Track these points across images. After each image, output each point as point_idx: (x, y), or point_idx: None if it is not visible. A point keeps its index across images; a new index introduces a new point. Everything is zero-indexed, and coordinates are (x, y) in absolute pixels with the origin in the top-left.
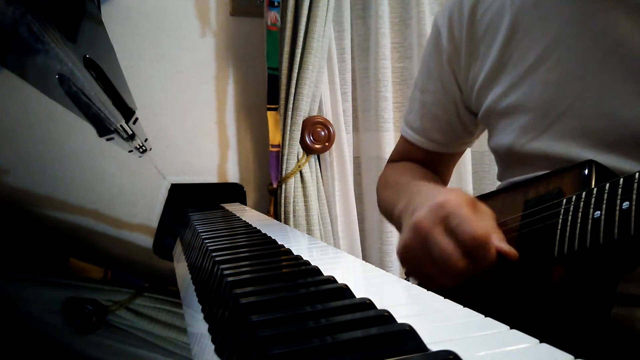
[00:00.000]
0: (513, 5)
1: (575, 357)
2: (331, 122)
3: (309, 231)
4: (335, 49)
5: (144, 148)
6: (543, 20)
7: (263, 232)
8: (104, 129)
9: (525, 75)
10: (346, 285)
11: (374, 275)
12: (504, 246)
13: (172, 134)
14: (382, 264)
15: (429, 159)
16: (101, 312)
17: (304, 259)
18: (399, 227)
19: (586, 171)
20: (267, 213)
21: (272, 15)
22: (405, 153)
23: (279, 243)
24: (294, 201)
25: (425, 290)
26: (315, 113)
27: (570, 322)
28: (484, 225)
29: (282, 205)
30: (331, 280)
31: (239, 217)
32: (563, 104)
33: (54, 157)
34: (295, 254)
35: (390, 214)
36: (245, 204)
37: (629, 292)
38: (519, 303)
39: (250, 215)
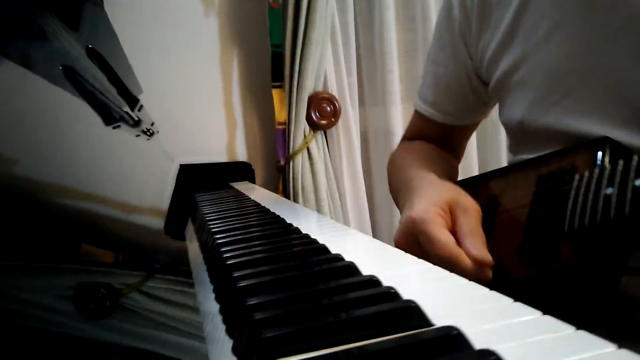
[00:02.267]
0: None
1: (578, 329)
2: (337, 97)
3: (318, 207)
4: (338, 24)
5: (151, 131)
6: None
7: (272, 210)
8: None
9: (536, 48)
10: (353, 263)
11: (382, 252)
12: (475, 253)
13: (180, 116)
14: (391, 238)
15: (442, 133)
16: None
17: (312, 237)
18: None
19: (601, 149)
20: (276, 191)
21: None
22: (419, 129)
23: (287, 222)
24: (302, 178)
25: (432, 265)
26: (320, 89)
27: (579, 296)
28: (448, 240)
29: (291, 182)
30: (338, 258)
31: (247, 196)
32: (573, 78)
33: (62, 144)
34: (303, 232)
35: (397, 204)
36: (254, 182)
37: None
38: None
39: (258, 193)
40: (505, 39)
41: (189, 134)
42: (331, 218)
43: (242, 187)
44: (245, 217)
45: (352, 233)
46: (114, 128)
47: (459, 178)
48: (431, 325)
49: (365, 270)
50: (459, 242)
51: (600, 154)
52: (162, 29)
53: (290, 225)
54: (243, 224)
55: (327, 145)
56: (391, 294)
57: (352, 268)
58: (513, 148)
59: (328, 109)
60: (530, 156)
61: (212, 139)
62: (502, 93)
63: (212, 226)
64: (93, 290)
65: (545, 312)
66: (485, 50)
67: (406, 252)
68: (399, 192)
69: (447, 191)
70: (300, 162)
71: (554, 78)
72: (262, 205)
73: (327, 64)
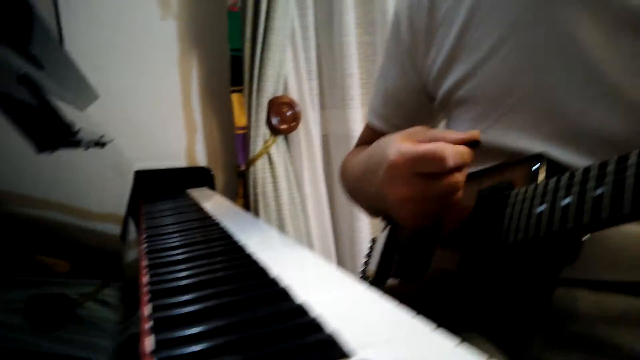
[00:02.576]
0: None
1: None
2: (297, 101)
3: (279, 212)
4: (298, 27)
5: (102, 143)
6: (499, 9)
7: (222, 224)
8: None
9: (479, 65)
10: (286, 289)
11: (324, 271)
12: (465, 135)
13: (138, 119)
14: (352, 241)
15: None
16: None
17: (254, 257)
18: (366, 195)
19: (536, 165)
20: (236, 195)
21: None
22: (370, 140)
23: (234, 238)
24: (262, 182)
25: (364, 288)
26: (280, 93)
27: (514, 307)
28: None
29: (251, 187)
30: (274, 282)
31: (200, 205)
32: (514, 95)
33: (15, 150)
34: (248, 250)
35: (355, 183)
36: (213, 187)
37: (570, 277)
38: (468, 293)
39: (213, 202)
40: (450, 56)
41: (148, 138)
42: (292, 222)
43: (199, 194)
44: (190, 232)
45: (298, 250)
46: (50, 153)
47: None
48: (350, 357)
49: (302, 292)
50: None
51: (536, 170)
52: (119, 33)
53: (236, 242)
54: (185, 242)
55: (288, 149)
56: (315, 325)
57: (285, 294)
58: None
59: (288, 113)
60: (475, 169)
61: (171, 143)
62: (448, 109)
63: (147, 244)
64: (46, 302)
65: (482, 323)
66: (432, 67)
67: (408, 198)
68: (359, 180)
69: (399, 133)
70: (261, 167)
71: (495, 95)
72: (213, 216)
73: (288, 68)
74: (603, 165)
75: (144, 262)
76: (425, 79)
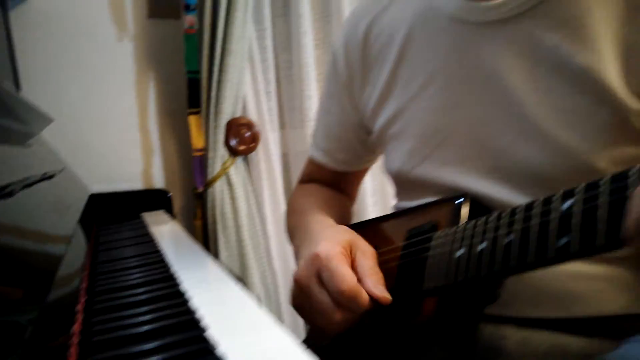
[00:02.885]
0: (401, 32)
1: None
2: (256, 122)
3: (238, 233)
4: (256, 49)
5: (49, 175)
6: (428, 47)
7: (166, 259)
8: None
9: (410, 101)
10: (210, 348)
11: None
12: (376, 292)
13: (94, 141)
14: None
15: (335, 178)
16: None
17: (187, 305)
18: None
19: (458, 206)
20: (195, 217)
21: (189, 19)
22: (314, 173)
23: (174, 279)
24: (221, 204)
25: (292, 340)
26: (239, 114)
27: (440, 344)
28: (352, 276)
29: (209, 209)
30: (199, 339)
31: (148, 236)
32: (443, 131)
33: None
34: (187, 295)
35: (293, 244)
36: (171, 209)
37: (496, 313)
38: (394, 333)
39: (164, 230)
40: (383, 93)
41: (104, 161)
42: (251, 242)
43: (153, 219)
44: (128, 271)
45: (235, 292)
46: None
47: None
48: None
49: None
50: (359, 281)
51: (458, 212)
52: (75, 53)
53: (175, 285)
54: (122, 283)
55: (248, 169)
56: None
57: (209, 352)
58: (396, 195)
59: (247, 134)
60: (410, 204)
61: (128, 165)
62: (383, 144)
63: (87, 284)
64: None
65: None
66: (367, 102)
67: (306, 288)
68: (296, 234)
69: (345, 234)
70: (219, 189)
71: (425, 131)
72: (159, 250)
73: (246, 89)
74: (513, 212)
75: (79, 307)
76: (362, 113)
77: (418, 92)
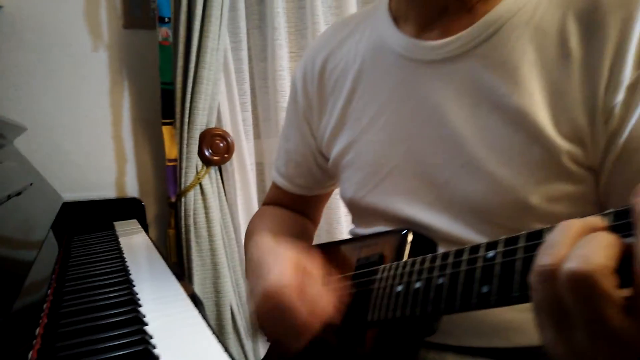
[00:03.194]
0: (355, 66)
1: None
2: (231, 132)
3: (211, 242)
4: (232, 60)
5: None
6: (377, 83)
7: (129, 276)
8: None
9: (361, 133)
10: None
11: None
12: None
13: (68, 149)
14: None
15: (296, 202)
16: None
17: (137, 335)
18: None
19: (403, 240)
20: (169, 226)
21: (164, 31)
22: (276, 196)
23: (133, 298)
24: (194, 213)
25: None
26: (213, 125)
27: None
28: (301, 310)
29: (183, 219)
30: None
31: (116, 252)
32: (390, 163)
33: None
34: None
35: (247, 263)
36: (144, 218)
37: (438, 342)
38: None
39: (133, 242)
40: (337, 125)
41: (78, 169)
42: (225, 251)
43: (124, 229)
44: (91, 293)
45: (191, 319)
46: None
47: None
48: None
49: None
50: (310, 306)
51: (401, 246)
52: (49, 62)
53: (132, 311)
54: (77, 307)
55: (222, 179)
56: None
57: None
58: (352, 221)
59: (221, 145)
60: (364, 230)
61: (102, 173)
62: (338, 172)
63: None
64: None
65: None
66: (324, 132)
67: (266, 322)
68: (248, 260)
69: (293, 260)
70: (192, 198)
71: (374, 162)
72: (125, 267)
73: (221, 100)
74: (445, 256)
75: (39, 330)
76: (320, 142)
77: (368, 125)
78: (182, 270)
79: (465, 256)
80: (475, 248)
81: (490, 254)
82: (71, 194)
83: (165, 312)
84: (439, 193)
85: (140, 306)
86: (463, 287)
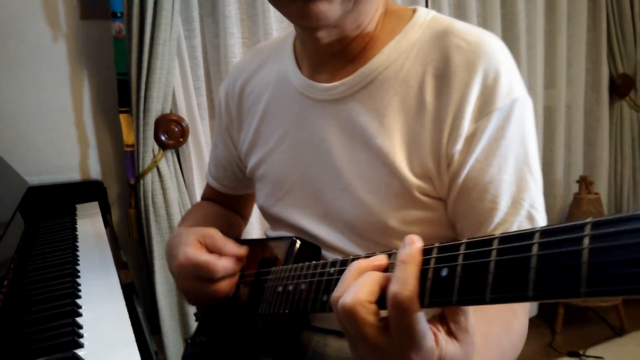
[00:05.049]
0: (266, 93)
1: None
2: (186, 116)
3: (170, 220)
4: (185, 48)
5: None
6: (282, 112)
7: (77, 264)
8: None
9: (269, 152)
10: None
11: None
12: (235, 251)
13: (31, 136)
14: None
15: (226, 199)
16: None
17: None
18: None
19: (292, 246)
20: (130, 206)
21: (117, 25)
22: (210, 194)
23: (74, 297)
24: (152, 194)
25: None
26: (168, 110)
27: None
28: (212, 257)
29: (142, 199)
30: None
31: (71, 241)
32: (290, 180)
33: None
34: (77, 312)
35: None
36: (106, 200)
37: (322, 326)
38: (240, 346)
39: (88, 231)
40: (252, 142)
41: (41, 154)
42: None
43: (84, 213)
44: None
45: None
46: None
47: None
48: None
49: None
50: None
51: (290, 251)
52: (9, 53)
53: (70, 304)
54: (24, 299)
55: (179, 161)
56: None
57: None
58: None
59: (176, 129)
60: (274, 233)
61: (65, 157)
62: (254, 181)
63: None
64: None
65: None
66: (242, 146)
67: (188, 287)
68: (167, 251)
69: (191, 234)
70: (150, 180)
71: (278, 179)
72: (75, 257)
73: (176, 86)
74: (309, 267)
75: None
76: (240, 153)
77: (275, 146)
78: (123, 262)
79: (318, 269)
80: (325, 264)
81: (332, 270)
82: (37, 177)
83: (99, 303)
84: (324, 210)
85: (79, 297)
86: (314, 294)
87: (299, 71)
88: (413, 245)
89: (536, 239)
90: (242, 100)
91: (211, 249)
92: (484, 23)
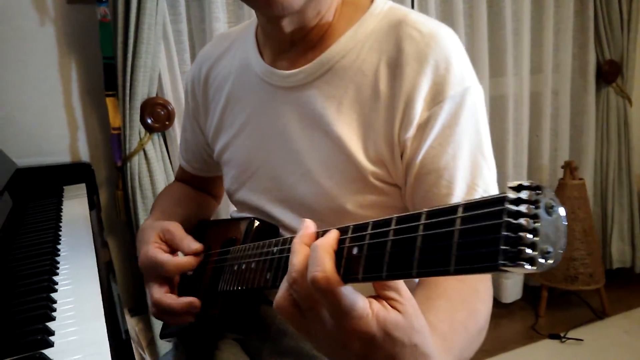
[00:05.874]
0: (230, 79)
1: None
2: (172, 99)
3: None
4: (171, 32)
5: None
6: (245, 98)
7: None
8: None
9: (233, 138)
10: (44, 339)
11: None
12: (193, 248)
13: (21, 118)
14: None
15: (198, 181)
16: None
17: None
18: None
19: (250, 227)
20: (117, 188)
21: (102, 10)
22: (182, 175)
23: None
24: (139, 176)
25: None
26: (154, 94)
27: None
28: (168, 256)
29: (129, 181)
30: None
31: (55, 222)
32: (253, 166)
33: None
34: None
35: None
36: (94, 181)
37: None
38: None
39: (72, 212)
40: (217, 127)
41: (32, 136)
42: None
43: (71, 194)
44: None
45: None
46: None
47: None
48: None
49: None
50: (179, 249)
51: (247, 231)
52: None
53: (47, 280)
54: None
55: (166, 143)
56: None
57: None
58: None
59: (162, 113)
60: (237, 215)
61: (54, 140)
62: (220, 165)
63: None
64: None
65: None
66: (209, 131)
67: (153, 281)
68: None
69: (153, 230)
70: (137, 162)
71: (242, 163)
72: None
73: (162, 70)
74: (257, 246)
75: None
76: (207, 138)
77: (238, 132)
78: (104, 242)
79: (265, 249)
80: (270, 243)
81: (274, 249)
82: (26, 159)
83: (75, 280)
84: (284, 194)
85: (56, 274)
86: (259, 273)
87: (261, 58)
88: (307, 230)
89: (423, 219)
90: (207, 86)
91: (170, 244)
92: (470, 9)
